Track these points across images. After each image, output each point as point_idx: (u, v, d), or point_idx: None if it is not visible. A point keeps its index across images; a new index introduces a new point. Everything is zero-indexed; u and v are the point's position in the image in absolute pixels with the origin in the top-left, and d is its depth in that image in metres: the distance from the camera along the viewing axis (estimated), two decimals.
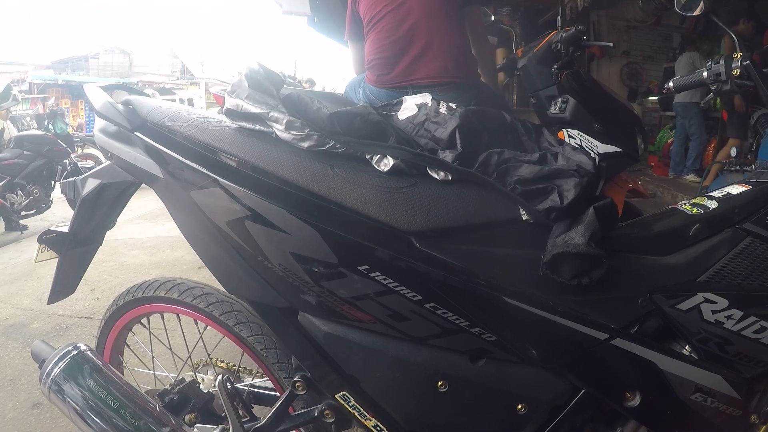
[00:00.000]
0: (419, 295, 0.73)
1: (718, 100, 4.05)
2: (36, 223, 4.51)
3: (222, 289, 0.90)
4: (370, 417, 0.81)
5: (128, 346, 1.18)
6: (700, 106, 4.31)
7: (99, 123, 0.91)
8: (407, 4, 1.55)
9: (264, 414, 0.92)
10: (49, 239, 0.97)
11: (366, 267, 0.72)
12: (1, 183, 4.29)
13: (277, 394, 1.01)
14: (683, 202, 0.87)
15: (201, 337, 1.08)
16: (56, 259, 1.00)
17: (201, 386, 1.04)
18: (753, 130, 3.72)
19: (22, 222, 4.35)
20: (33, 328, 2.32)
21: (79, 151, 6.14)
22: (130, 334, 1.15)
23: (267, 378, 1.03)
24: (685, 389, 0.74)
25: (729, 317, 0.72)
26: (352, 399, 0.81)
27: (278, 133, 0.76)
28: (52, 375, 0.83)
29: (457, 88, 1.56)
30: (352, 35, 1.77)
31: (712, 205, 0.82)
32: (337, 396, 0.81)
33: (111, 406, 0.82)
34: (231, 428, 0.89)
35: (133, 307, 1.07)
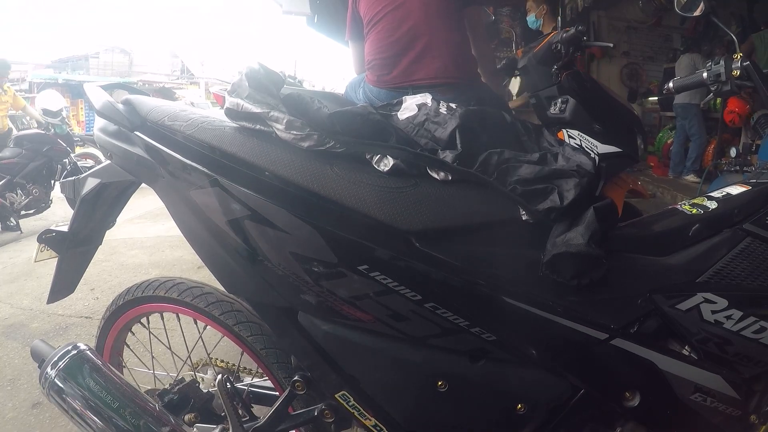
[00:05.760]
0: (419, 294, 0.73)
1: (718, 101, 4.05)
2: (35, 222, 4.51)
3: (222, 288, 0.90)
4: (369, 417, 0.81)
5: (128, 346, 1.18)
6: (700, 107, 4.31)
7: (99, 122, 0.91)
8: (407, 4, 1.55)
9: (264, 414, 0.93)
10: (49, 239, 0.97)
11: (366, 267, 0.72)
12: (1, 182, 4.29)
13: (277, 393, 1.01)
14: (683, 202, 0.87)
15: (201, 336, 1.08)
16: (56, 258, 1.00)
17: (200, 386, 1.04)
18: (753, 130, 3.72)
19: (22, 221, 4.34)
20: (32, 328, 2.32)
21: (79, 150, 6.12)
22: (129, 333, 1.15)
23: (267, 378, 1.03)
24: (685, 389, 0.74)
25: (728, 317, 0.72)
26: (351, 399, 0.81)
27: (278, 132, 0.76)
28: (52, 375, 0.83)
29: (457, 88, 1.56)
30: (353, 35, 1.77)
31: (712, 205, 0.82)
32: (336, 396, 0.81)
33: (111, 405, 0.82)
34: (230, 428, 0.89)
35: (132, 306, 1.07)
